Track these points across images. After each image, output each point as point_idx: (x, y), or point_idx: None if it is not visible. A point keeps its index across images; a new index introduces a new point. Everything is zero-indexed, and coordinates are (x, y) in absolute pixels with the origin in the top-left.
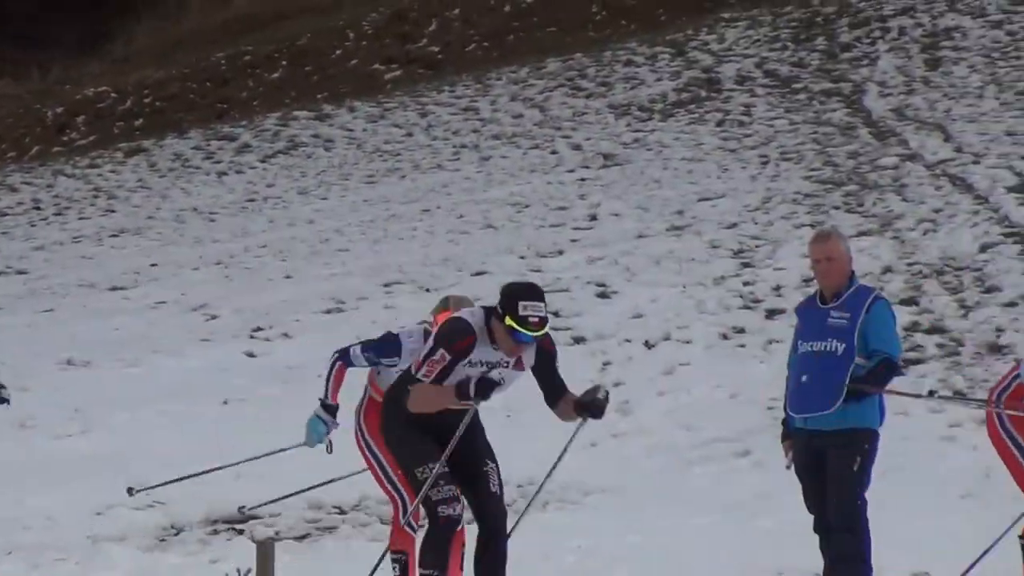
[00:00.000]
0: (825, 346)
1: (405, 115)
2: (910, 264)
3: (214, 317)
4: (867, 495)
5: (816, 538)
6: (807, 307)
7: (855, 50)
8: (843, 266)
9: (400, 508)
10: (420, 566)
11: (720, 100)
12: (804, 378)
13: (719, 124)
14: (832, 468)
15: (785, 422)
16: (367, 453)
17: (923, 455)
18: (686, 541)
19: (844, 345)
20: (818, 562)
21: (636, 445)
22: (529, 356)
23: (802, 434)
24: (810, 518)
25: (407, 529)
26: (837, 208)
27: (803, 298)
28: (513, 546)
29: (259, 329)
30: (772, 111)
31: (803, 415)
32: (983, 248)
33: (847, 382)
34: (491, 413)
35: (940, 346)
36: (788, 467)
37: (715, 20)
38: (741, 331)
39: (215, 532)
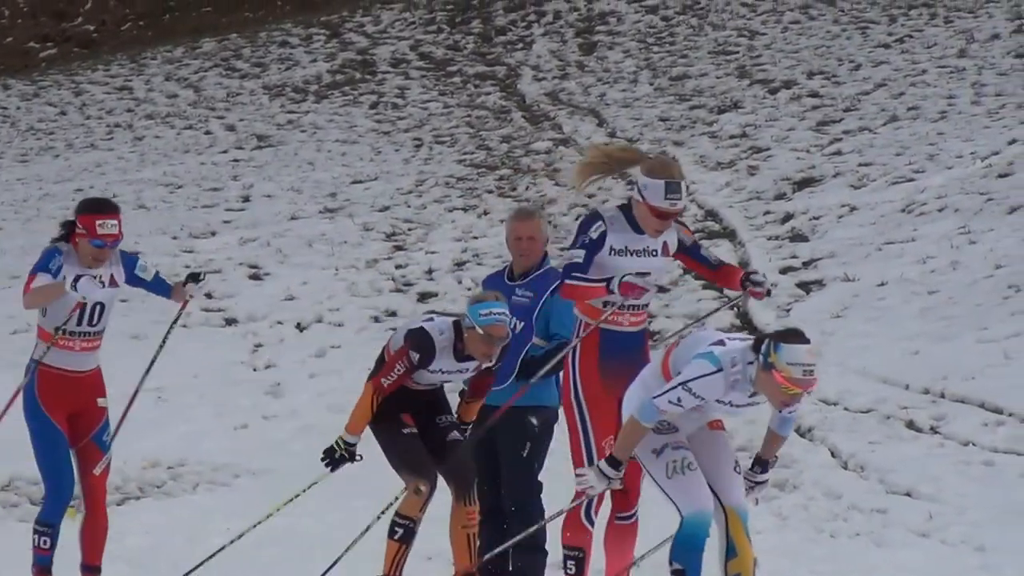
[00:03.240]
0: None
1: (59, 94)
2: (563, 249)
3: None
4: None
5: None
6: (494, 281)
7: (510, 34)
8: (541, 247)
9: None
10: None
11: (374, 83)
12: None
13: (373, 107)
14: (503, 453)
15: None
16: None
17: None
18: (335, 524)
19: (523, 324)
20: None
21: (287, 427)
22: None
23: None
24: None
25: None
26: (491, 192)
27: (491, 272)
28: (160, 528)
29: None
30: (426, 94)
31: None
32: None
33: (520, 360)
34: (143, 393)
35: None
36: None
37: (371, 2)
38: (393, 314)
39: None
